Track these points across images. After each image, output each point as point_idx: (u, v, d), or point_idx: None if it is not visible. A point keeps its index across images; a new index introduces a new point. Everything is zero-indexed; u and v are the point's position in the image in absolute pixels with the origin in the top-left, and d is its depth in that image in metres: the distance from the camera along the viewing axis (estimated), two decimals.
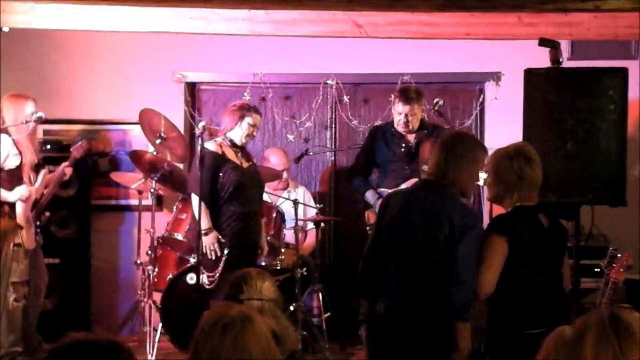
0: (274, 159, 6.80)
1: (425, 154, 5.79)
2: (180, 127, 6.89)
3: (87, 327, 6.91)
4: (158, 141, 6.35)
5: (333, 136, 7.29)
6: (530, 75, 4.68)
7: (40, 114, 5.82)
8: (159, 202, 6.96)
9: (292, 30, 6.30)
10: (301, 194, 6.84)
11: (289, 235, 6.42)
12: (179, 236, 6.19)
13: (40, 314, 6.12)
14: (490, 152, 4.02)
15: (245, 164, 5.65)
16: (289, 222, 6.37)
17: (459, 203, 3.75)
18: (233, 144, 5.61)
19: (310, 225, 6.76)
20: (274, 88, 7.27)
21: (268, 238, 5.95)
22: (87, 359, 2.00)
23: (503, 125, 6.62)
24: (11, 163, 5.78)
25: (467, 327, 3.64)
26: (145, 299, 6.33)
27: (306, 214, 6.62)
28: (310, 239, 6.85)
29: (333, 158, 7.28)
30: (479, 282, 3.65)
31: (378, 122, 6.79)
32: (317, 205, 6.79)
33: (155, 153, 6.44)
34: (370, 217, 6.04)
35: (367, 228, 6.03)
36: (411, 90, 6.00)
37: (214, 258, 5.46)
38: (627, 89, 4.64)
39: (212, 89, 7.44)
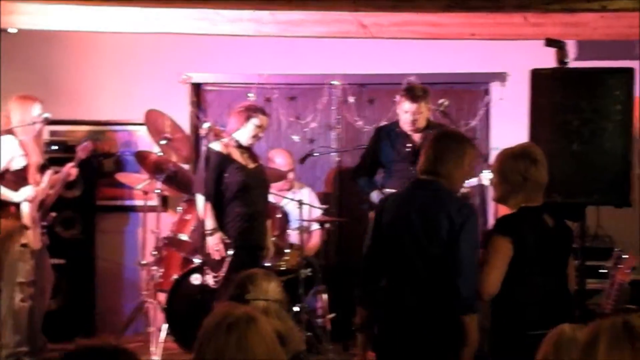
0: (279, 160, 6.80)
1: None
2: (186, 127, 6.90)
3: (92, 327, 6.93)
4: (163, 142, 6.36)
5: (338, 137, 7.29)
6: (536, 76, 4.67)
7: (46, 115, 5.84)
8: (164, 202, 6.96)
9: (297, 31, 6.30)
10: (306, 194, 6.83)
11: (293, 236, 6.42)
12: (184, 237, 6.20)
13: (45, 314, 6.13)
14: (496, 153, 4.02)
15: (251, 165, 5.65)
16: (294, 223, 6.37)
17: (454, 197, 3.81)
18: (239, 145, 5.61)
19: (315, 226, 6.76)
20: (279, 89, 7.27)
21: (273, 239, 5.95)
22: None
23: (508, 125, 6.61)
24: (17, 164, 5.80)
25: (475, 320, 3.66)
26: (150, 300, 6.34)
27: (311, 215, 6.62)
28: (315, 239, 6.85)
29: (338, 159, 7.27)
30: (483, 283, 3.65)
31: (383, 123, 6.78)
32: (322, 206, 6.78)
33: (160, 154, 6.44)
34: None
35: None
36: (417, 89, 5.98)
37: (218, 258, 5.46)
38: (633, 90, 4.62)
39: (217, 90, 7.45)
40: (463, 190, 5.57)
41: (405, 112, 5.93)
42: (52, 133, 7.09)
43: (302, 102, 7.37)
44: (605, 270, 5.06)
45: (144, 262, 6.51)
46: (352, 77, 7.18)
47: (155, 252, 6.33)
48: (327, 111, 7.24)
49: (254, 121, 5.56)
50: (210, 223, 5.42)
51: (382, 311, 3.84)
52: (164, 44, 7.07)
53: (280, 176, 6.64)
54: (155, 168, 6.35)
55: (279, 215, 6.26)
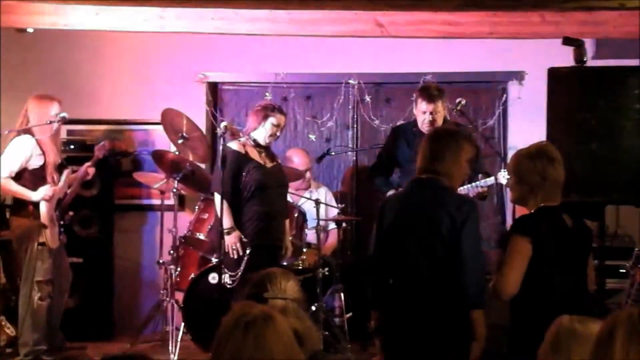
0: (297, 159, 6.80)
1: None
2: (202, 127, 6.91)
3: (109, 326, 6.95)
4: (180, 141, 6.37)
5: (355, 136, 7.28)
6: (554, 75, 4.65)
7: (63, 114, 5.86)
8: (181, 202, 6.98)
9: (313, 30, 6.29)
10: (323, 194, 6.83)
11: (310, 235, 6.42)
12: (201, 236, 6.21)
13: (63, 312, 6.15)
14: (513, 153, 4.01)
15: (269, 164, 5.65)
16: (311, 222, 6.37)
17: (454, 195, 3.86)
18: (257, 144, 5.61)
19: (332, 225, 6.76)
20: (296, 88, 7.27)
21: (290, 238, 5.95)
22: None
23: (526, 124, 6.60)
24: (35, 163, 5.83)
25: (482, 315, 3.72)
26: (168, 299, 6.35)
27: (328, 214, 6.62)
28: (332, 238, 6.84)
29: (354, 158, 7.27)
30: (502, 283, 3.64)
31: (400, 122, 6.76)
32: (339, 205, 6.78)
33: (177, 153, 6.45)
34: None
35: None
36: (432, 88, 5.95)
37: (236, 257, 5.46)
38: None
39: (233, 89, 7.46)
40: (480, 189, 5.56)
41: (423, 113, 5.89)
42: (70, 132, 7.12)
43: (319, 101, 7.37)
44: (625, 270, 5.02)
45: (161, 261, 6.53)
46: (368, 76, 7.17)
47: (173, 251, 6.35)
48: (344, 110, 7.24)
49: (272, 120, 5.56)
50: (227, 222, 5.42)
51: (390, 311, 3.87)
52: (181, 44, 7.09)
53: (298, 175, 6.64)
54: (172, 167, 6.36)
55: (296, 215, 6.25)
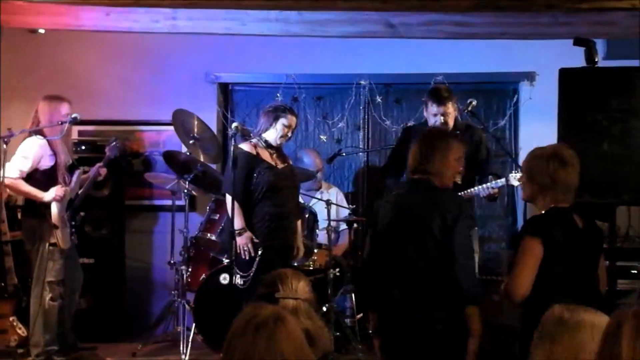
0: (307, 160, 6.81)
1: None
2: (213, 127, 6.92)
3: (121, 326, 6.97)
4: (191, 142, 6.38)
5: (365, 137, 7.29)
6: (565, 75, 4.63)
7: (75, 115, 5.87)
8: (192, 202, 6.99)
9: (324, 31, 6.29)
10: (334, 194, 6.84)
11: (321, 236, 6.42)
12: (212, 236, 6.21)
13: (75, 313, 6.17)
14: (524, 154, 4.00)
15: (281, 165, 5.65)
16: (322, 223, 6.37)
17: (445, 193, 3.93)
18: (268, 145, 5.61)
19: (343, 226, 6.76)
20: (307, 88, 7.28)
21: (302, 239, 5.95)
22: None
23: (537, 125, 6.59)
24: (46, 164, 5.85)
25: (477, 311, 3.76)
26: (179, 299, 6.36)
27: (339, 215, 6.62)
28: (343, 239, 6.84)
29: (365, 158, 7.27)
30: (514, 285, 3.63)
31: (411, 123, 6.76)
32: (350, 205, 6.78)
33: (188, 153, 6.46)
34: None
35: None
36: (442, 89, 5.94)
37: (247, 258, 5.46)
38: None
39: (245, 90, 7.47)
40: (491, 191, 5.54)
41: (434, 115, 5.87)
42: (81, 133, 7.15)
43: (330, 101, 7.38)
44: (636, 271, 5.01)
45: (172, 261, 6.54)
46: (379, 76, 7.18)
47: (184, 252, 6.36)
48: (355, 111, 7.24)
49: (283, 121, 5.56)
50: (238, 223, 5.42)
51: (387, 313, 3.90)
52: (192, 44, 7.10)
53: (309, 176, 6.65)
54: (184, 168, 6.37)
55: (307, 215, 6.25)
